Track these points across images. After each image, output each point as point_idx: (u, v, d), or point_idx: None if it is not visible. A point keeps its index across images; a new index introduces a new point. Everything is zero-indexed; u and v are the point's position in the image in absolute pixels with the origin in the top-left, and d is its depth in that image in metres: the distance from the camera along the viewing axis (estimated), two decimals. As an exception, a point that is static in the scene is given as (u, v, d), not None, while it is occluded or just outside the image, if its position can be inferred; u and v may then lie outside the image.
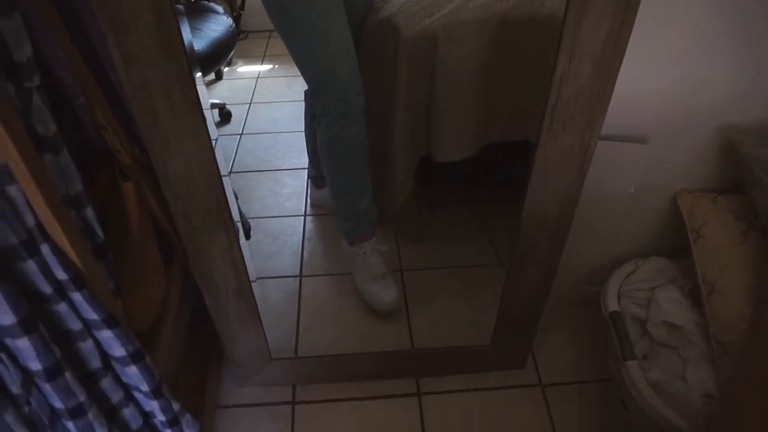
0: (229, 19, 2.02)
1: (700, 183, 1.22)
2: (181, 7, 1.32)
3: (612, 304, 1.17)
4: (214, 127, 0.95)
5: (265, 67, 2.71)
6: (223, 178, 0.94)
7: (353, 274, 1.51)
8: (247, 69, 2.71)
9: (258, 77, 2.62)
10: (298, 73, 1.29)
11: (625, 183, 1.17)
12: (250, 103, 2.41)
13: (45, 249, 0.64)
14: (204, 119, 0.87)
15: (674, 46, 1.02)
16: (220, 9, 2.08)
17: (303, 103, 1.60)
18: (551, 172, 0.99)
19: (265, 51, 2.87)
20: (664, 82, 1.07)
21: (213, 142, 0.91)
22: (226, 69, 2.68)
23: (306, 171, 1.87)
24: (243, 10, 2.85)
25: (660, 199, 1.24)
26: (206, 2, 2.25)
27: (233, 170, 1.98)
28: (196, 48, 1.79)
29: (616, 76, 0.87)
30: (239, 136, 2.18)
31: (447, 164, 1.46)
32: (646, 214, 1.27)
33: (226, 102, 2.32)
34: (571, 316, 1.48)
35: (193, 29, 1.91)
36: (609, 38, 0.83)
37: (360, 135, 1.31)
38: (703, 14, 0.99)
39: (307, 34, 1.20)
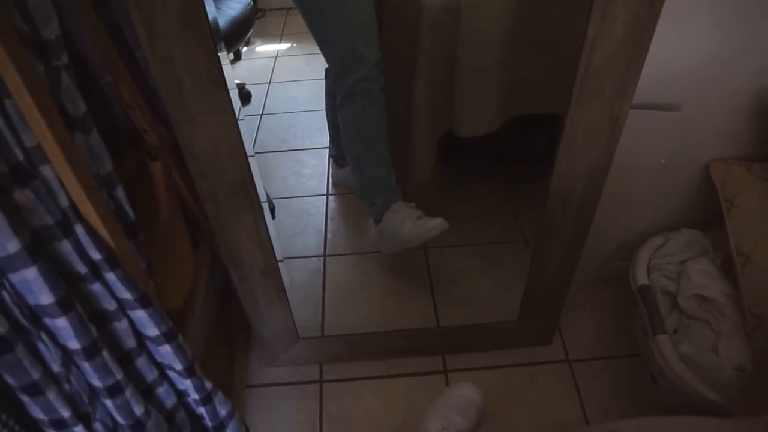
0: (247, -4, 2.00)
1: (733, 151, 1.18)
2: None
3: (641, 278, 1.15)
4: (239, 103, 0.95)
5: (284, 46, 2.68)
6: (249, 158, 0.94)
7: (393, 241, 1.38)
8: (265, 48, 2.69)
9: (276, 56, 2.60)
10: (317, 51, 1.28)
11: (656, 153, 1.14)
12: (269, 83, 2.39)
13: (79, 229, 0.65)
14: (229, 95, 0.87)
15: (709, 10, 0.99)
16: (236, -13, 2.06)
17: (323, 81, 1.58)
18: (579, 145, 0.96)
19: (283, 29, 2.85)
20: (698, 46, 1.04)
21: (237, 119, 0.91)
22: (245, 49, 2.67)
23: (327, 150, 1.86)
24: (260, -11, 2.84)
25: (692, 169, 1.21)
26: (224, -20, 2.24)
27: (255, 151, 1.98)
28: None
29: (650, 42, 0.84)
30: (259, 116, 2.18)
31: (470, 139, 1.44)
32: (677, 186, 1.24)
33: (246, 82, 2.31)
34: (598, 292, 1.46)
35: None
36: (643, 1, 0.80)
37: (384, 109, 1.31)
38: None
39: (332, 14, 1.19)
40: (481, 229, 1.60)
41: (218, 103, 0.86)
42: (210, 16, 0.77)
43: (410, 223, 1.34)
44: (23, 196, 0.60)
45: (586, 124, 0.94)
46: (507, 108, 1.43)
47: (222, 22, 1.82)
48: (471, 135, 1.43)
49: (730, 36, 1.02)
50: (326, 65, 1.55)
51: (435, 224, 1.31)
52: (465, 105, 1.40)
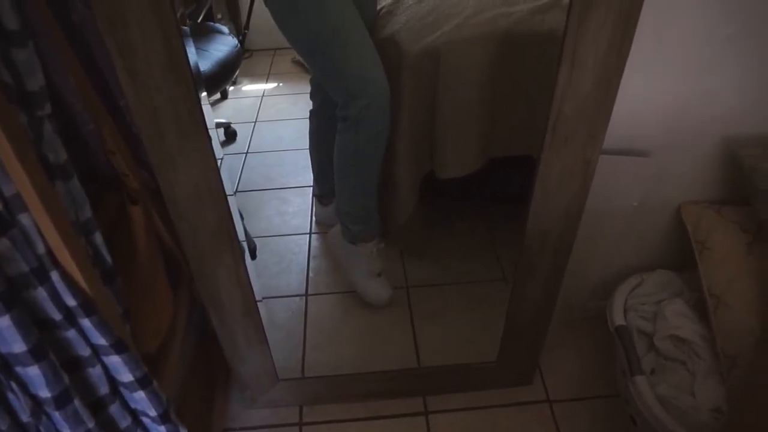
0: (234, 39, 2.05)
1: (705, 195, 1.22)
2: (186, 29, 1.33)
3: (618, 319, 1.17)
4: (219, 146, 0.97)
5: (270, 86, 2.73)
6: (229, 198, 0.96)
7: (350, 270, 1.52)
8: (252, 87, 2.73)
9: (263, 95, 2.64)
10: (303, 91, 1.30)
11: (628, 197, 1.18)
12: (255, 122, 2.43)
13: (55, 276, 0.65)
14: (209, 139, 0.88)
15: (676, 58, 1.03)
16: (225, 29, 2.11)
17: (308, 121, 1.62)
18: (553, 188, 0.99)
19: (270, 69, 2.90)
20: (666, 94, 1.08)
21: (218, 162, 0.92)
22: (232, 88, 2.71)
23: (311, 189, 1.88)
24: (248, 29, 2.90)
25: (664, 211, 1.24)
26: (212, 23, 2.29)
27: (239, 189, 1.99)
28: (201, 69, 1.81)
29: (617, 88, 0.88)
30: (244, 155, 2.20)
31: (451, 179, 1.47)
32: (651, 227, 1.27)
33: (232, 121, 2.34)
34: (577, 332, 1.47)
35: (199, 50, 1.93)
36: (610, 50, 0.83)
37: (385, 141, 1.31)
38: (706, 25, 0.99)
39: (342, 42, 1.21)
40: (463, 267, 1.62)
41: (199, 147, 0.88)
42: (191, 60, 0.79)
43: (373, 282, 1.50)
44: (0, 244, 0.60)
45: (559, 168, 0.96)
46: (486, 149, 1.46)
47: (209, 64, 1.86)
48: (452, 176, 1.46)
49: (697, 84, 1.07)
50: (311, 106, 1.59)
51: (388, 296, 1.51)
52: (446, 147, 1.44)
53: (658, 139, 1.13)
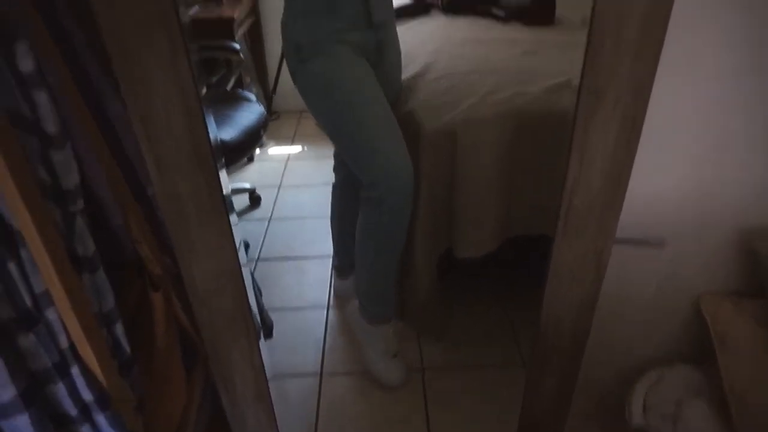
0: (261, 106, 2.13)
1: (724, 285, 1.19)
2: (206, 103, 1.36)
3: (637, 417, 1.13)
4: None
5: (295, 149, 2.83)
6: (245, 280, 0.98)
7: (366, 348, 1.51)
8: (277, 151, 2.83)
9: (288, 159, 2.73)
10: (326, 155, 1.31)
11: (644, 286, 1.17)
12: (279, 186, 2.50)
13: (75, 370, 0.68)
14: (230, 227, 0.91)
15: (686, 148, 1.03)
16: (253, 97, 2.20)
17: (330, 186, 1.65)
18: (566, 278, 1.00)
19: (296, 131, 3.02)
20: (677, 184, 1.08)
21: (238, 245, 0.95)
22: (258, 151, 2.81)
23: (331, 259, 1.90)
24: (275, 93, 3.03)
25: (682, 301, 1.22)
26: (240, 90, 2.40)
27: (260, 257, 2.02)
28: (227, 137, 1.87)
29: (627, 183, 0.89)
30: (268, 221, 2.25)
31: (469, 258, 1.47)
32: (669, 318, 1.25)
33: (256, 186, 2.41)
34: (596, 424, 1.43)
35: (226, 117, 2.01)
36: (618, 146, 0.86)
37: (407, 222, 1.31)
38: (716, 113, 1.00)
39: (367, 125, 1.23)
40: (481, 351, 1.59)
41: (220, 234, 0.91)
42: (212, 136, 0.82)
43: (387, 362, 1.49)
44: (26, 340, 0.63)
45: (571, 259, 0.97)
46: (505, 229, 1.47)
47: (235, 132, 1.92)
48: (470, 256, 1.46)
49: (712, 171, 1.07)
50: (334, 179, 1.63)
51: (402, 377, 1.49)
52: (464, 225, 1.45)
53: (671, 228, 1.12)
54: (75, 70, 0.81)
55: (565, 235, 0.95)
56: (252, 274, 1.22)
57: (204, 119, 0.78)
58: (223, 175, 0.89)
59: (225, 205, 0.89)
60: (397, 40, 1.42)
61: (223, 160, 0.93)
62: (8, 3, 0.64)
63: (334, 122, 1.28)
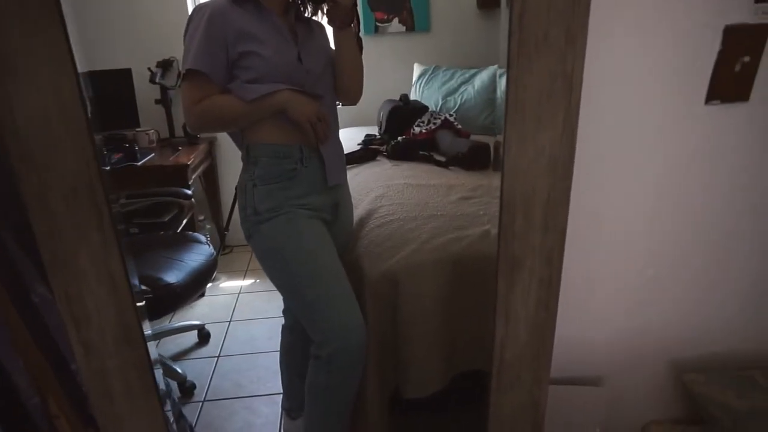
0: (210, 247, 2.14)
1: (668, 413, 1.21)
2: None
3: None
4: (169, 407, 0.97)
5: (247, 282, 2.81)
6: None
7: None
8: (229, 284, 2.80)
9: (239, 293, 2.70)
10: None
11: (588, 424, 1.17)
12: (229, 321, 2.45)
13: None
14: (160, 400, 0.89)
15: (609, 295, 1.10)
16: (203, 238, 2.21)
17: (281, 319, 1.62)
18: (507, 428, 0.99)
19: (248, 266, 3.01)
20: (606, 326, 1.13)
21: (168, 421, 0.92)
22: (210, 285, 2.77)
23: (281, 397, 1.83)
24: (228, 231, 3.06)
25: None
26: (190, 233, 2.41)
27: (207, 398, 1.94)
28: (175, 280, 1.86)
29: (553, 338, 0.93)
30: (216, 358, 2.18)
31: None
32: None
33: (206, 321, 2.36)
34: None
35: (174, 260, 2.01)
36: (539, 306, 0.90)
37: (358, 380, 1.28)
38: (639, 258, 1.07)
39: (318, 288, 1.23)
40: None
41: (148, 408, 0.89)
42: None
43: None
44: None
45: (509, 410, 0.98)
46: (451, 368, 1.46)
47: (182, 275, 1.91)
48: (418, 396, 1.44)
49: (633, 314, 1.13)
50: (284, 321, 1.60)
51: None
52: (410, 366, 1.44)
53: (606, 366, 1.16)
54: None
55: (499, 390, 0.97)
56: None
57: (134, 303, 0.79)
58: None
59: (154, 379, 0.88)
60: (350, 198, 1.48)
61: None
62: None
63: (287, 283, 1.29)
